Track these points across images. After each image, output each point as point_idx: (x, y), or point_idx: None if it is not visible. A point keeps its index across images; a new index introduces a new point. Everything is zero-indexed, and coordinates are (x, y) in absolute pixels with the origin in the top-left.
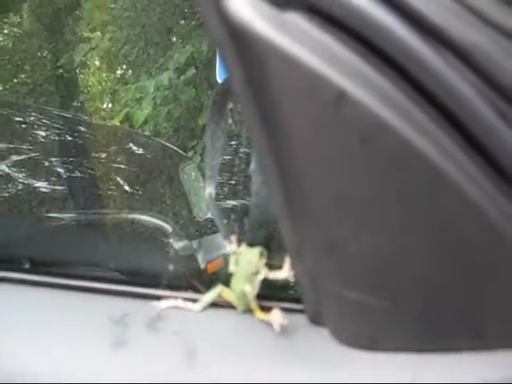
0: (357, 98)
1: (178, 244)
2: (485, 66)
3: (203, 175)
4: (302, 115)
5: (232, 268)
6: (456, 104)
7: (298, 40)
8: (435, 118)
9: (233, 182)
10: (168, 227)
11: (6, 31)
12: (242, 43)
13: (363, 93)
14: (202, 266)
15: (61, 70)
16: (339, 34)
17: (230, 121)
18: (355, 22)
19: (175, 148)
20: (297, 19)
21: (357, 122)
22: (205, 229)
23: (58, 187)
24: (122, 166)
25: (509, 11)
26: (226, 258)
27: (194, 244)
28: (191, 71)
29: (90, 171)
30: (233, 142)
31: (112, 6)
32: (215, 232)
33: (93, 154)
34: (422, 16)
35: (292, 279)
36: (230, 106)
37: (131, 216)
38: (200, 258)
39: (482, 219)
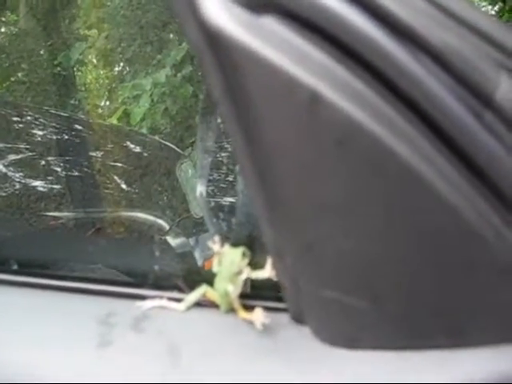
0: (331, 101)
1: (174, 241)
2: (459, 68)
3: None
4: (278, 118)
5: (215, 268)
6: (431, 105)
7: (272, 43)
8: (410, 120)
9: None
10: (165, 224)
11: (2, 30)
12: (218, 47)
13: (337, 95)
14: (200, 263)
15: (58, 69)
16: (313, 37)
17: (220, 120)
18: (329, 25)
19: (172, 146)
20: (271, 23)
21: (331, 124)
22: (202, 226)
23: (55, 186)
24: (119, 164)
25: (484, 13)
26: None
27: (191, 241)
28: (188, 68)
29: (87, 170)
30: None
31: (108, 3)
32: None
33: (90, 153)
34: (396, 18)
35: (274, 279)
36: None
37: (128, 214)
38: (197, 255)
39: (458, 219)
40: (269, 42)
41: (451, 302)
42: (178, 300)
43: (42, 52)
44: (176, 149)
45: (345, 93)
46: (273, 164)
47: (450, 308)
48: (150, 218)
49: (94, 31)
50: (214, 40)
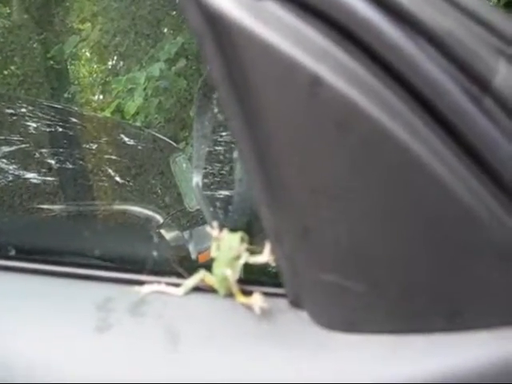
0: (332, 84)
1: (169, 234)
2: (459, 54)
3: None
4: (279, 102)
5: (213, 253)
6: (430, 89)
7: (273, 27)
8: (409, 103)
9: (221, 171)
10: (159, 218)
11: None
12: (219, 31)
13: (338, 78)
14: (194, 256)
15: (51, 62)
16: (314, 21)
17: (216, 110)
18: (330, 8)
19: (166, 139)
20: (272, 7)
21: (332, 107)
22: (196, 219)
23: (48, 178)
24: (113, 157)
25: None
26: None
27: (186, 234)
28: (182, 62)
29: (80, 162)
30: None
31: None
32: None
33: (84, 146)
34: (397, 3)
35: (272, 263)
36: (216, 94)
37: (122, 207)
38: (191, 248)
39: (456, 203)
40: (270, 25)
41: (449, 285)
42: (177, 285)
43: (35, 45)
44: (170, 142)
45: (345, 76)
46: (272, 147)
47: (448, 291)
48: (144, 211)
49: (88, 25)
50: (215, 23)
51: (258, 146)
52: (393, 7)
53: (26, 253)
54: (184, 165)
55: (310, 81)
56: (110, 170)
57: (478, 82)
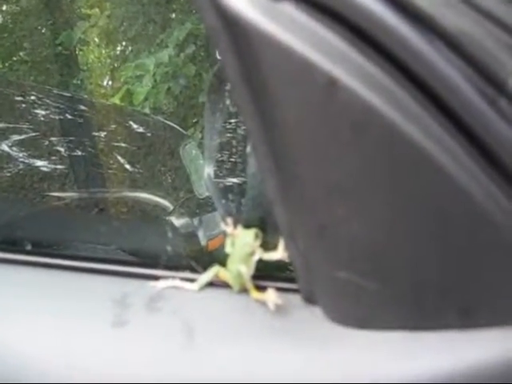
0: (348, 86)
1: (178, 221)
2: (474, 54)
3: (203, 152)
4: (295, 103)
5: (228, 249)
6: (445, 90)
7: (290, 29)
8: (424, 105)
9: (233, 160)
10: (169, 205)
11: (3, 8)
12: (236, 32)
13: (354, 80)
14: (203, 243)
15: (60, 48)
16: (330, 23)
17: (228, 102)
18: (346, 10)
19: (175, 126)
20: (289, 8)
21: (348, 108)
22: (206, 206)
23: (58, 166)
24: (123, 145)
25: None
26: (226, 235)
27: (195, 221)
28: (191, 48)
29: (90, 150)
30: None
31: None
32: (216, 209)
33: (93, 133)
34: (412, 4)
35: (286, 260)
36: (228, 87)
37: (132, 194)
38: (201, 235)
39: (469, 203)
40: (287, 27)
41: (461, 282)
42: (191, 280)
43: (43, 31)
44: (179, 129)
45: (361, 77)
46: (288, 146)
47: (459, 289)
48: (154, 198)
49: (96, 10)
50: (232, 25)
51: (273, 144)
52: (409, 8)
53: (42, 247)
54: (193, 151)
55: (326, 82)
56: (119, 157)
57: (493, 82)
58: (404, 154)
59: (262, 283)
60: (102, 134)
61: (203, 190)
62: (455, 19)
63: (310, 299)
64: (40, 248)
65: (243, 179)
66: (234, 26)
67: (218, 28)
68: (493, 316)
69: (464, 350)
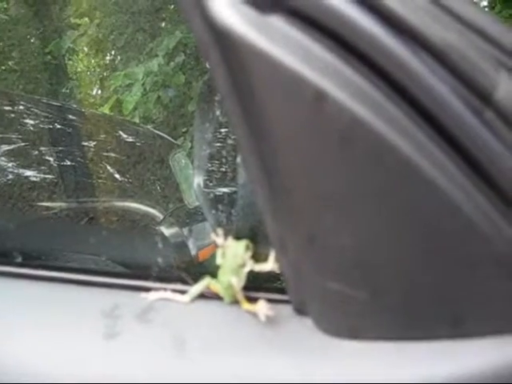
0: (336, 98)
1: (168, 231)
2: (460, 66)
3: (193, 162)
4: (284, 115)
5: (219, 260)
6: (432, 103)
7: (279, 42)
8: (413, 117)
9: (223, 170)
10: (158, 214)
11: None
12: (225, 46)
13: (343, 93)
14: (193, 253)
15: (49, 57)
16: (319, 36)
17: (218, 111)
18: (334, 24)
19: (165, 135)
20: (278, 22)
21: (336, 121)
22: (196, 216)
23: (47, 176)
24: (112, 154)
25: (483, 11)
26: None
27: (185, 231)
28: (181, 57)
29: (79, 159)
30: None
31: None
32: (206, 219)
33: (82, 143)
34: (399, 17)
35: (277, 271)
36: (218, 97)
37: (122, 204)
38: (191, 245)
39: (458, 215)
40: (276, 40)
41: (451, 293)
42: (182, 292)
43: (32, 40)
44: (169, 138)
45: (349, 91)
46: (277, 158)
47: (450, 299)
48: (144, 207)
49: (86, 19)
50: (222, 38)
51: (262, 156)
52: (395, 21)
53: (31, 257)
54: (183, 161)
55: (315, 95)
56: (108, 167)
57: (479, 94)
58: (392, 166)
59: (253, 294)
60: (92, 143)
61: (193, 199)
62: (441, 32)
63: (300, 310)
64: (29, 259)
65: (233, 189)
66: (224, 39)
67: (207, 41)
68: (484, 326)
69: (456, 359)
